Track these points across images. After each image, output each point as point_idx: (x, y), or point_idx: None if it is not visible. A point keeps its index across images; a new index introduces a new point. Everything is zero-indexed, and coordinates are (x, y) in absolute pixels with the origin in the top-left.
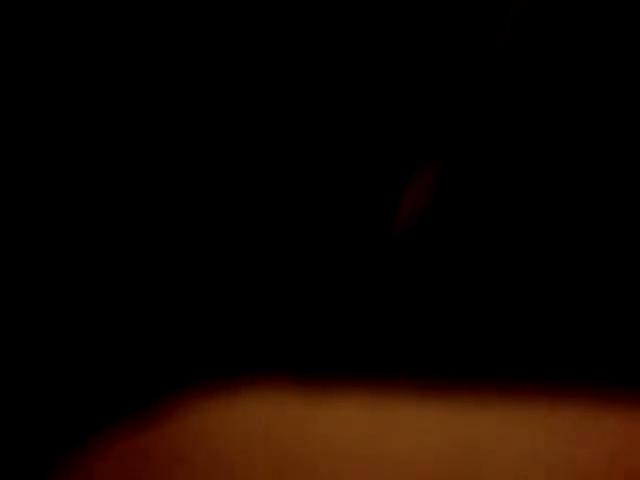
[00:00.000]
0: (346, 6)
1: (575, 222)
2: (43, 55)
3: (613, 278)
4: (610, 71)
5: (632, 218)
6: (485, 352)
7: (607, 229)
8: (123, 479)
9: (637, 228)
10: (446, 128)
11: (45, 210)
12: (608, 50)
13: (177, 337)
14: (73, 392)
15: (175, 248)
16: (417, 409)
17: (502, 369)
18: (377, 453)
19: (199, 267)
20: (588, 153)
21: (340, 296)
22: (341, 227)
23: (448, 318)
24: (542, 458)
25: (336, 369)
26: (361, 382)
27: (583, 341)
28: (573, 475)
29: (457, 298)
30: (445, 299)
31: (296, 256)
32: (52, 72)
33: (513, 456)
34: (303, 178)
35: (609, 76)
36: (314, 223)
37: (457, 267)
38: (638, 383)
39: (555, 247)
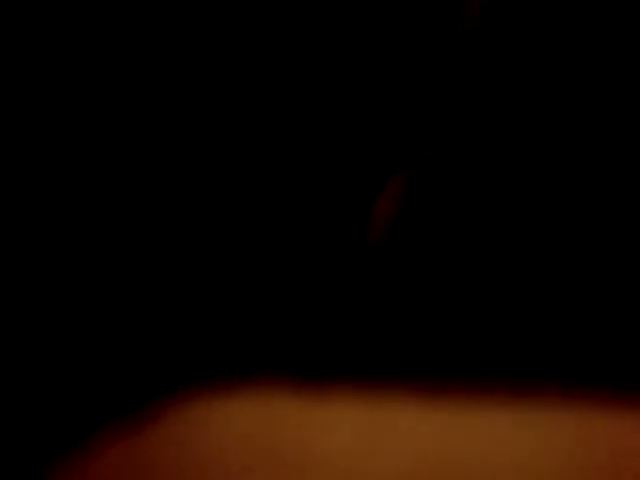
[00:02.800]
0: (308, 22)
1: (566, 223)
2: (43, 55)
3: (613, 280)
4: (577, 71)
5: (631, 218)
6: (483, 353)
7: (600, 233)
8: (120, 479)
9: (637, 228)
10: (419, 133)
11: (45, 210)
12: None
13: (175, 339)
14: (71, 393)
15: (175, 251)
16: (415, 410)
17: (501, 371)
18: (375, 453)
19: (198, 269)
20: (566, 156)
21: (337, 298)
22: (323, 229)
23: (446, 321)
24: (542, 459)
25: (333, 371)
26: (358, 384)
27: (584, 343)
28: (576, 476)
29: (454, 301)
30: (442, 302)
31: (291, 258)
32: (52, 72)
33: (511, 456)
34: (284, 184)
35: (573, 79)
36: (302, 223)
37: (452, 268)
38: (638, 383)
39: (553, 248)
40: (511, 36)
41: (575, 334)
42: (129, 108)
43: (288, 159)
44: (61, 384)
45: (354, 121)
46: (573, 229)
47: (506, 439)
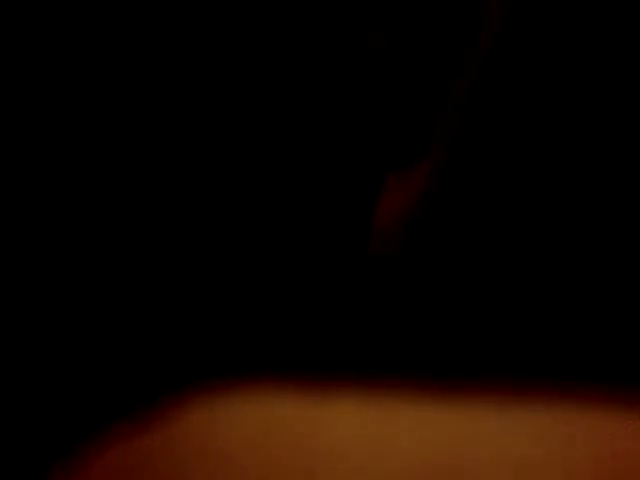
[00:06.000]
0: (309, 18)
1: (573, 224)
2: (43, 55)
3: (613, 278)
4: (604, 68)
5: (632, 217)
6: (483, 352)
7: (605, 230)
8: None
9: (637, 228)
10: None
11: (45, 210)
12: (601, 47)
13: (176, 338)
14: (72, 393)
15: (174, 250)
16: (416, 409)
17: (500, 369)
18: (376, 454)
19: (197, 267)
20: (585, 154)
21: (336, 297)
22: (323, 225)
23: (445, 318)
24: (541, 459)
25: (334, 369)
26: (359, 382)
27: (582, 341)
28: (571, 475)
29: (454, 298)
30: (442, 299)
31: (291, 256)
32: (52, 72)
33: (511, 456)
34: (284, 182)
35: (600, 74)
36: (303, 223)
37: (452, 265)
38: (637, 383)
39: (553, 247)
40: (526, 68)
41: (575, 333)
42: (128, 108)
43: (285, 155)
44: (61, 385)
45: (354, 119)
46: (573, 229)
47: (508, 439)
